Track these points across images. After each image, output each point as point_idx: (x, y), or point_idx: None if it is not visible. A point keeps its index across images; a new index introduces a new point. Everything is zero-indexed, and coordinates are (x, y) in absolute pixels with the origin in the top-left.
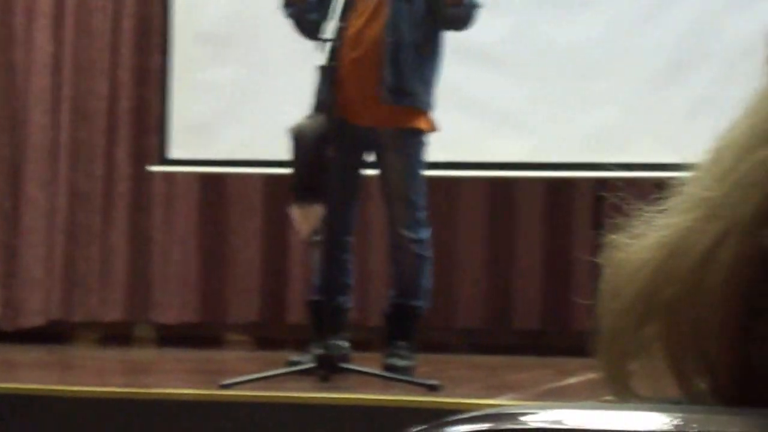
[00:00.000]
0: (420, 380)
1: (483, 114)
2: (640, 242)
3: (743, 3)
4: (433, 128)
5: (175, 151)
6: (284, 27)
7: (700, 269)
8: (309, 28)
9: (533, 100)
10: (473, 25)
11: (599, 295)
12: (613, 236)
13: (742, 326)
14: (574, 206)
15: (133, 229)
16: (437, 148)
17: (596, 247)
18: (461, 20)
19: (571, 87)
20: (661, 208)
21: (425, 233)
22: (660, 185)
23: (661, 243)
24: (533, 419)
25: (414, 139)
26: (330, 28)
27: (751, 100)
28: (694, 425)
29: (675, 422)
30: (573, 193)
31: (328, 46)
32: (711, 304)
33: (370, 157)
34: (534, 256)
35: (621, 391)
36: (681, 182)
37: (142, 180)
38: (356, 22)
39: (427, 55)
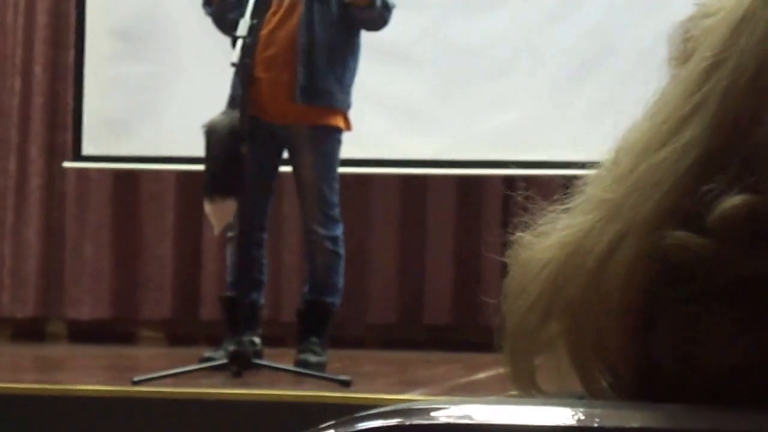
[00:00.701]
0: (332, 376)
1: (394, 112)
2: (543, 241)
3: (646, 4)
4: (348, 127)
5: (88, 148)
6: (198, 24)
7: (600, 269)
8: (229, 26)
9: (443, 99)
10: (388, 25)
11: (505, 292)
12: (519, 234)
13: (641, 324)
14: (484, 204)
15: (46, 225)
16: (349, 145)
17: (505, 245)
18: (375, 22)
19: (480, 86)
20: (564, 207)
21: (338, 230)
22: (566, 184)
23: (563, 242)
24: (442, 414)
25: (328, 136)
26: (243, 26)
27: (650, 102)
28: (596, 419)
29: (577, 417)
30: (483, 191)
31: (241, 43)
32: (611, 302)
33: (285, 154)
34: (444, 253)
35: (526, 386)
36: (585, 182)
37: (55, 176)
38: (270, 21)
39: (341, 55)
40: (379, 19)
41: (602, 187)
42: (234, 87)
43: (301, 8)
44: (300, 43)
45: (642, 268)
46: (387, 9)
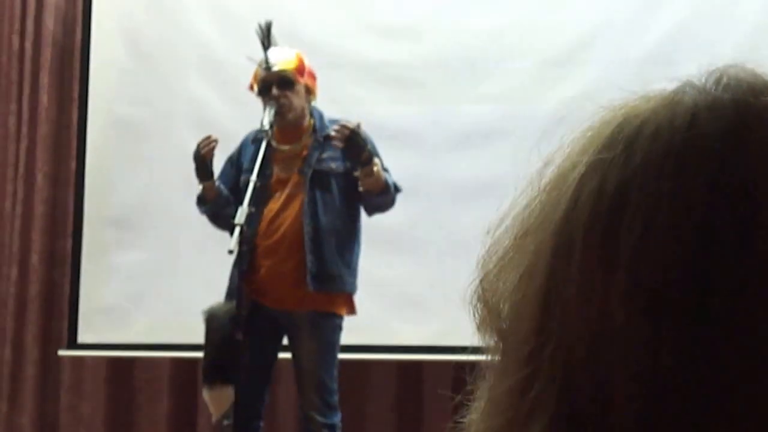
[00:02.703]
0: None
1: (390, 297)
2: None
3: None
4: (352, 311)
5: (84, 335)
6: (194, 212)
7: None
8: (225, 222)
9: (438, 284)
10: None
11: None
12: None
13: None
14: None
15: (39, 415)
16: (345, 330)
17: None
18: (387, 205)
19: (474, 272)
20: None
21: (336, 418)
22: None
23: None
24: None
25: (330, 322)
26: (240, 214)
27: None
28: None
29: None
30: (476, 375)
31: (238, 230)
32: None
33: (284, 341)
34: None
35: None
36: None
37: (49, 364)
38: (272, 208)
39: (346, 240)
40: (390, 203)
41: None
42: (232, 278)
43: (303, 197)
44: (306, 232)
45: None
46: (396, 191)
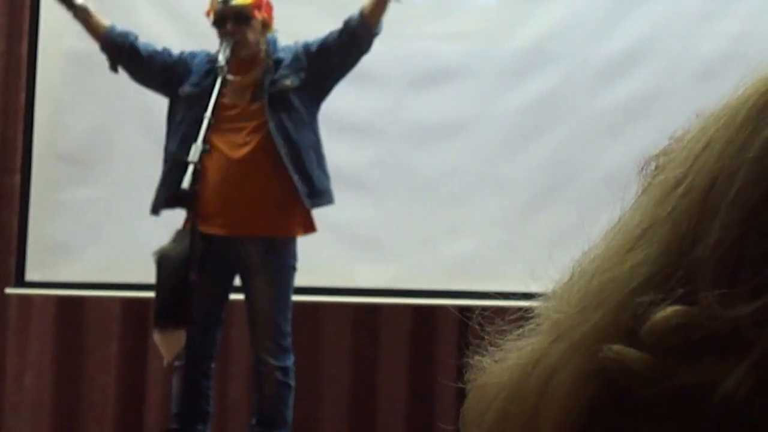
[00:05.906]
0: None
1: (347, 239)
2: (501, 365)
3: (604, 132)
4: (311, 228)
5: (32, 273)
6: (146, 149)
7: (543, 392)
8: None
9: (398, 227)
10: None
11: (463, 420)
12: (477, 359)
13: None
14: (438, 334)
15: None
16: (301, 273)
17: (460, 375)
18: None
19: (435, 214)
20: (521, 332)
21: (289, 360)
22: (523, 312)
23: (516, 365)
24: None
25: (284, 263)
26: (194, 152)
27: (610, 226)
28: None
29: None
30: (437, 320)
31: (192, 168)
32: (552, 425)
33: (236, 281)
34: (399, 383)
35: None
36: (543, 302)
37: None
38: (228, 138)
39: (320, 151)
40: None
41: (555, 308)
42: (158, 194)
43: (263, 123)
44: (283, 154)
45: (582, 386)
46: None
